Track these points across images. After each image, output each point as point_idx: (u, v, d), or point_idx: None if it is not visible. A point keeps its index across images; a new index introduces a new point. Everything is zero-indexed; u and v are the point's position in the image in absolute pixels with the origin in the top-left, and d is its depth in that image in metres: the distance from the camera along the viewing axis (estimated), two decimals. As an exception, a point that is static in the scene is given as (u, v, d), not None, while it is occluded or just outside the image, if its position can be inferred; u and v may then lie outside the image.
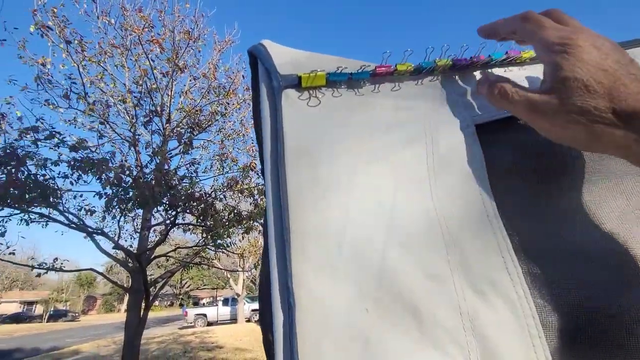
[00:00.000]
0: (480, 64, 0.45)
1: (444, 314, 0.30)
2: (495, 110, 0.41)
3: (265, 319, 0.47)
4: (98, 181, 3.95)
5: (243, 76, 6.45)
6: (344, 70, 0.39)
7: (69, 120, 5.41)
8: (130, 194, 4.09)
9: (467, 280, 0.32)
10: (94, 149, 4.55)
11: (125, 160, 5.05)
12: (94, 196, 4.46)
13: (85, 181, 4.27)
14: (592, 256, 0.33)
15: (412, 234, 0.33)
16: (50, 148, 4.21)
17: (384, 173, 0.36)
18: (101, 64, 5.43)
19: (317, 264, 0.31)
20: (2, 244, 4.57)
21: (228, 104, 6.24)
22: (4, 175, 3.55)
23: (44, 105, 5.00)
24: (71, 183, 4.32)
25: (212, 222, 5.12)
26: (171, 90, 5.81)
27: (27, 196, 3.70)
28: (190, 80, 6.31)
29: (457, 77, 0.45)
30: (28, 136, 3.94)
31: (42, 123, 4.53)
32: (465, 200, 0.36)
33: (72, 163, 3.95)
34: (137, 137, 5.41)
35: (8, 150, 3.62)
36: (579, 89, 0.28)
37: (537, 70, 0.46)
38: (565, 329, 0.31)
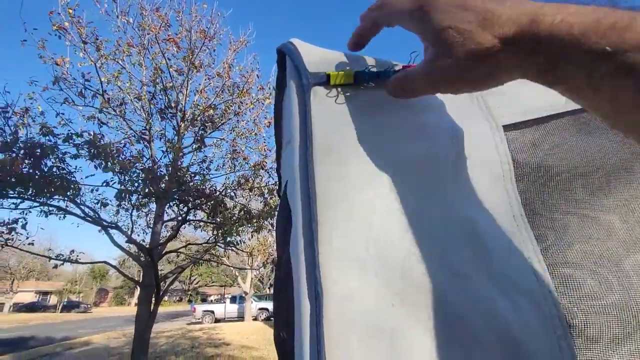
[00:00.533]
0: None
1: (468, 311, 0.31)
2: (522, 112, 0.41)
3: (280, 317, 0.47)
4: (104, 166, 4.03)
5: (257, 75, 6.51)
6: (372, 69, 0.40)
7: (88, 117, 5.56)
8: (140, 185, 4.17)
9: (491, 279, 0.32)
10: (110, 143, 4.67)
11: (140, 155, 5.16)
12: (102, 185, 4.56)
13: (95, 167, 4.36)
14: (624, 262, 0.33)
15: (436, 232, 0.34)
16: (69, 145, 4.34)
17: (409, 172, 0.36)
18: (119, 62, 5.57)
19: (344, 257, 0.32)
20: (22, 234, 4.72)
21: (242, 102, 6.31)
22: (27, 167, 3.68)
23: (63, 103, 5.15)
24: (95, 167, 4.42)
25: (221, 219, 5.18)
26: (186, 89, 5.91)
27: (46, 189, 3.82)
28: (205, 80, 6.41)
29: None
30: (47, 137, 4.06)
31: (61, 118, 4.68)
32: (491, 200, 0.36)
33: (92, 152, 4.05)
34: (152, 133, 5.52)
35: (31, 143, 3.75)
36: (455, 36, 0.27)
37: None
38: (594, 333, 0.31)
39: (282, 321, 0.43)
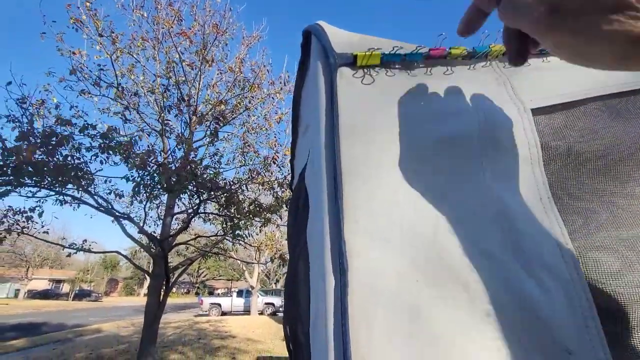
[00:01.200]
0: (535, 51, 0.44)
1: (494, 290, 0.31)
2: (550, 96, 0.40)
3: (290, 314, 0.48)
4: (125, 164, 4.10)
5: (268, 70, 6.53)
6: (399, 51, 0.40)
7: (102, 109, 5.67)
8: (157, 178, 4.23)
9: (519, 260, 0.32)
10: (124, 136, 4.75)
11: (153, 147, 5.24)
12: (121, 178, 4.65)
13: (114, 162, 4.44)
14: None
15: (465, 211, 0.34)
16: (84, 136, 4.43)
17: (437, 153, 0.36)
18: (134, 56, 5.65)
19: (369, 234, 0.32)
20: (37, 223, 4.84)
21: (252, 97, 6.34)
22: (43, 156, 3.76)
23: (79, 95, 5.25)
24: (101, 162, 4.51)
25: (234, 212, 5.23)
26: (199, 83, 5.96)
27: (61, 178, 3.91)
28: (217, 74, 6.46)
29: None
30: (63, 127, 4.15)
31: (76, 111, 4.77)
32: (519, 182, 0.36)
33: (103, 146, 4.13)
34: (164, 126, 5.60)
35: (47, 132, 3.83)
36: None
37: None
38: (621, 313, 0.30)
39: (292, 319, 0.43)
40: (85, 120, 4.59)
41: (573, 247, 0.32)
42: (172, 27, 5.59)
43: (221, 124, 5.91)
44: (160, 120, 5.63)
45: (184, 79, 5.84)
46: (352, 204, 0.33)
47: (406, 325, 0.29)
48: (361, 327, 0.29)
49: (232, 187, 5.42)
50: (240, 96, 6.26)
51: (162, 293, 5.24)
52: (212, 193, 4.89)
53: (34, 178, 3.75)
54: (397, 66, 0.41)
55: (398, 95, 0.39)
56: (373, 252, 0.32)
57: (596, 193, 0.35)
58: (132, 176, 4.47)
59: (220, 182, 5.21)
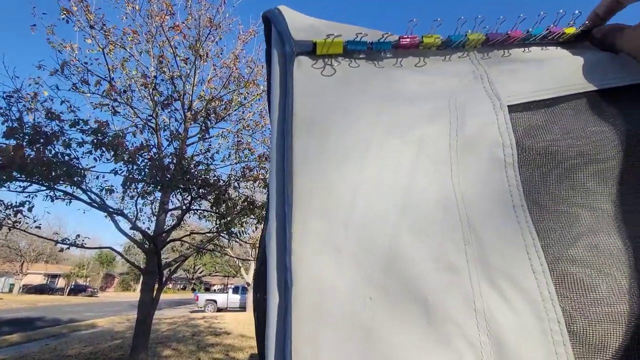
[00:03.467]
0: (517, 39, 0.40)
1: (457, 308, 0.27)
2: (529, 92, 0.37)
3: (260, 309, 0.44)
4: (113, 158, 4.05)
5: (262, 66, 6.46)
6: (364, 38, 0.36)
7: (96, 104, 5.58)
8: (146, 174, 4.18)
9: (485, 275, 0.29)
10: (115, 131, 4.68)
11: (148, 143, 5.17)
12: (110, 172, 4.59)
13: (107, 159, 4.39)
14: (636, 262, 0.29)
15: (428, 219, 0.30)
16: (76, 130, 4.36)
17: (401, 150, 0.32)
18: (127, 49, 5.56)
19: (320, 243, 0.28)
20: (29, 217, 4.78)
21: (248, 93, 6.28)
22: (33, 152, 3.70)
23: (71, 89, 5.17)
24: (95, 159, 4.45)
25: (224, 209, 5.19)
26: (194, 78, 5.89)
27: (52, 174, 3.84)
28: (212, 70, 6.38)
29: (489, 54, 0.41)
30: (54, 122, 4.08)
31: (68, 105, 4.69)
32: (490, 187, 0.32)
33: (96, 142, 4.06)
34: (158, 122, 5.53)
35: (38, 129, 3.76)
36: None
37: (579, 48, 0.41)
38: (597, 340, 0.27)
39: (262, 313, 0.40)
40: (76, 115, 4.52)
41: (546, 262, 0.29)
42: (164, 20, 5.50)
43: (214, 121, 5.85)
44: (153, 116, 5.56)
45: (178, 74, 5.76)
46: (303, 206, 0.29)
47: (357, 349, 0.26)
48: (307, 352, 0.25)
49: (223, 184, 5.36)
50: (236, 92, 6.19)
51: (156, 289, 5.20)
52: (201, 190, 4.84)
53: (23, 174, 3.69)
54: (362, 56, 0.37)
55: (362, 88, 0.35)
56: (323, 265, 0.28)
57: (574, 199, 0.32)
58: (120, 169, 4.41)
59: (211, 179, 5.16)
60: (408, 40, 0.37)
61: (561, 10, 0.41)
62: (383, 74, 0.37)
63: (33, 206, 4.67)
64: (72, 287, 34.96)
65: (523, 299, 0.28)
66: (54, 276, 40.02)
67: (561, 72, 0.38)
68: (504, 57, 0.40)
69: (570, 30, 0.40)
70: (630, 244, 0.30)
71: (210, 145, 6.19)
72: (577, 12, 0.42)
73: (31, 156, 3.62)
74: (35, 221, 4.98)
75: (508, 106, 0.35)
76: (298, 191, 0.30)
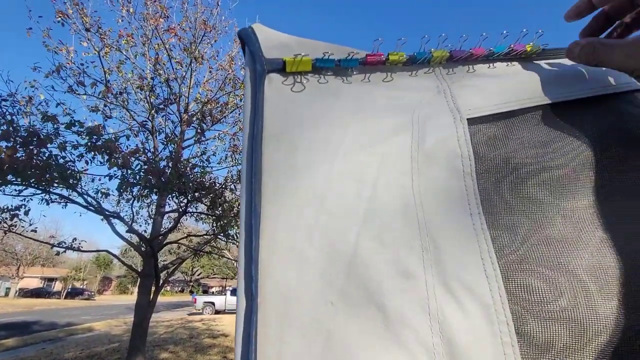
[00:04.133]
0: (480, 56, 0.43)
1: (412, 313, 0.29)
2: (488, 106, 0.39)
3: None
4: (106, 163, 4.05)
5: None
6: (331, 56, 0.38)
7: (92, 107, 5.58)
8: (141, 178, 4.18)
9: (439, 280, 0.31)
10: (109, 134, 4.69)
11: (144, 146, 5.18)
12: (105, 176, 4.58)
13: (100, 161, 4.39)
14: (583, 266, 0.31)
15: (388, 228, 0.32)
16: (71, 132, 4.36)
17: (366, 162, 0.34)
18: (123, 52, 5.57)
19: (286, 252, 0.30)
20: (25, 221, 4.77)
21: (244, 95, 6.30)
22: (24, 154, 3.69)
23: (66, 92, 5.17)
24: (87, 162, 4.45)
25: (220, 212, 5.20)
26: (190, 81, 5.90)
27: (47, 177, 3.84)
28: (208, 72, 6.40)
29: (454, 69, 0.43)
30: (49, 123, 4.08)
31: (64, 108, 4.69)
32: (448, 196, 0.34)
33: (89, 145, 4.06)
34: (154, 124, 5.54)
35: (31, 130, 3.76)
36: None
37: (542, 66, 0.43)
38: (543, 340, 0.29)
39: None
40: (72, 117, 4.52)
41: (499, 267, 0.31)
42: (159, 23, 5.51)
43: (210, 123, 5.86)
44: (149, 119, 5.57)
45: (174, 76, 5.77)
46: (271, 218, 0.31)
47: (319, 352, 0.28)
48: (271, 355, 0.27)
49: (219, 187, 5.37)
50: (232, 94, 6.20)
51: (153, 292, 5.20)
52: (197, 193, 4.84)
53: (18, 178, 3.68)
54: (329, 73, 0.39)
55: (330, 104, 0.37)
56: (287, 272, 0.30)
57: (525, 207, 0.34)
58: (115, 174, 4.41)
59: (207, 182, 5.16)
60: (374, 57, 0.39)
61: (524, 30, 0.43)
62: (351, 89, 0.39)
63: (29, 210, 4.67)
64: (69, 290, 34.75)
65: (475, 302, 0.30)
66: (51, 279, 39.78)
67: (521, 86, 0.40)
68: (469, 72, 0.43)
69: (532, 48, 0.43)
70: (580, 249, 0.32)
71: (206, 147, 6.20)
72: (539, 31, 0.44)
73: (22, 157, 3.61)
74: (31, 224, 4.97)
75: (468, 119, 0.37)
76: (265, 202, 0.31)
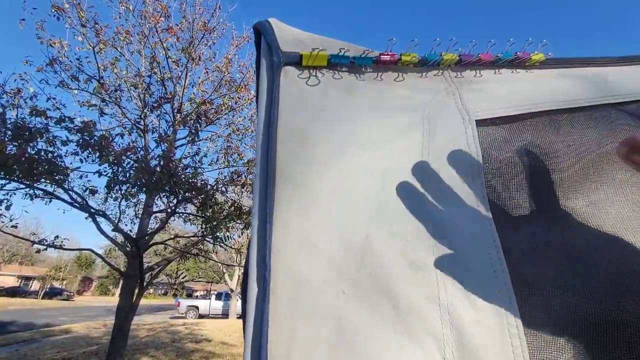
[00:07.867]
0: (487, 61, 0.44)
1: (422, 303, 0.30)
2: (495, 109, 0.40)
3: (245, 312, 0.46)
4: (98, 159, 3.97)
5: (254, 71, 6.49)
6: (347, 53, 0.39)
7: (82, 102, 5.48)
8: (131, 175, 4.10)
9: (450, 275, 0.31)
10: (101, 131, 4.61)
11: (134, 144, 5.10)
12: (94, 173, 4.48)
13: (90, 158, 4.30)
14: (584, 261, 0.32)
15: (400, 221, 0.33)
16: (61, 128, 4.27)
17: (378, 157, 0.35)
18: (118, 49, 5.52)
19: (298, 240, 0.31)
20: (5, 216, 4.61)
21: (239, 98, 6.29)
22: (15, 149, 3.60)
23: (58, 86, 5.08)
24: (81, 161, 4.36)
25: (210, 213, 5.13)
26: (185, 81, 5.87)
27: (34, 171, 3.74)
28: (204, 73, 6.38)
29: (462, 74, 0.45)
30: (39, 118, 3.99)
31: (54, 102, 4.60)
32: (458, 194, 0.35)
33: (82, 142, 3.98)
34: (147, 123, 5.47)
35: (19, 124, 3.67)
36: None
37: (544, 74, 0.45)
38: (549, 331, 0.30)
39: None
40: (62, 113, 4.43)
41: (506, 262, 0.32)
42: (158, 22, 5.49)
43: (203, 124, 5.82)
44: (142, 117, 5.50)
45: (169, 75, 5.73)
46: (284, 206, 0.32)
47: (329, 337, 0.28)
48: (282, 339, 0.27)
49: (210, 188, 5.31)
50: (227, 96, 6.19)
51: (136, 293, 5.06)
52: (188, 194, 4.78)
53: (2, 172, 3.57)
54: (344, 69, 0.40)
55: (343, 99, 0.38)
56: (300, 259, 0.30)
57: (532, 207, 0.35)
58: (105, 171, 4.32)
59: (198, 182, 5.11)
60: (388, 57, 0.40)
61: (529, 39, 0.45)
62: (364, 86, 0.40)
63: (11, 204, 4.52)
64: (47, 290, 33.56)
65: (484, 294, 0.31)
66: (28, 278, 38.36)
67: (525, 92, 0.42)
68: (476, 77, 0.44)
69: (537, 57, 0.44)
70: (585, 247, 0.33)
71: (199, 148, 6.15)
72: (544, 41, 0.46)
73: (13, 152, 3.52)
74: (11, 220, 4.80)
75: (476, 120, 0.39)
76: (279, 191, 0.32)
